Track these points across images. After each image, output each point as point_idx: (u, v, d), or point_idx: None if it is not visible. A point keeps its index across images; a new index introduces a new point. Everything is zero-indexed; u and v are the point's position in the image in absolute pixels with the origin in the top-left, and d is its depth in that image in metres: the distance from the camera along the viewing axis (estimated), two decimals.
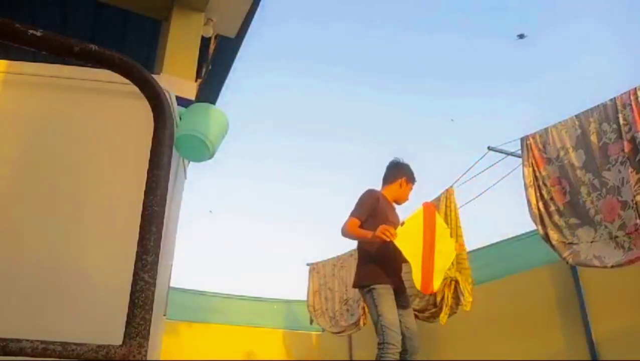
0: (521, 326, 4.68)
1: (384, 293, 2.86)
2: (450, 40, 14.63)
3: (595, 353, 3.97)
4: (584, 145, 3.38)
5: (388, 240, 2.74)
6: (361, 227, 2.96)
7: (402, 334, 2.82)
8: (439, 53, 14.32)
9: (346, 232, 2.99)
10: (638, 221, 2.92)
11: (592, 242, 3.22)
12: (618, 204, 3.07)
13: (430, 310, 4.52)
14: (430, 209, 3.09)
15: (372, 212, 3.01)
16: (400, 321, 2.85)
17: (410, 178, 3.25)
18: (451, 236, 3.54)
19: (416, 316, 4.78)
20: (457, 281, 4.24)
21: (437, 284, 2.99)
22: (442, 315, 4.31)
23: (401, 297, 2.98)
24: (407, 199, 3.26)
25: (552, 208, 3.50)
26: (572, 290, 4.29)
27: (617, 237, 3.06)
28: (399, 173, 3.24)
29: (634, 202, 2.96)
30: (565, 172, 3.48)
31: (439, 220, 3.16)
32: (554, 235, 3.44)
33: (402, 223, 2.93)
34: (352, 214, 3.02)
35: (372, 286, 2.89)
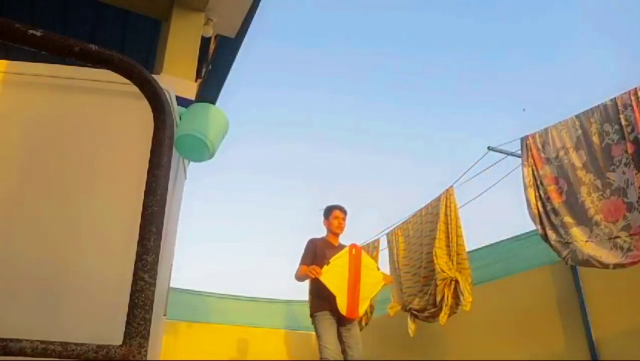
0: (521, 326, 4.68)
1: (322, 319, 3.62)
2: (451, 41, 14.64)
3: (595, 353, 3.96)
4: (585, 145, 3.38)
5: (314, 277, 3.56)
6: None
7: (343, 348, 3.61)
8: (440, 54, 14.33)
9: (296, 277, 3.86)
10: None
11: (586, 241, 3.23)
12: (624, 205, 3.07)
13: (430, 309, 4.52)
14: (356, 249, 3.85)
15: (313, 256, 3.81)
16: (343, 336, 3.64)
17: (326, 215, 4.04)
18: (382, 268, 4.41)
19: (415, 317, 4.79)
20: (457, 281, 4.25)
21: (362, 310, 3.71)
22: (441, 315, 4.31)
23: (342, 318, 3.64)
24: (339, 227, 3.98)
25: (549, 207, 3.51)
26: (572, 290, 4.28)
27: (618, 237, 3.06)
28: (323, 217, 4.07)
29: (639, 203, 2.97)
30: (563, 171, 3.48)
31: (365, 256, 3.89)
32: (552, 235, 3.44)
33: (328, 263, 3.62)
34: (300, 262, 3.85)
35: (314, 314, 3.70)
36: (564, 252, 3.35)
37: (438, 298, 4.36)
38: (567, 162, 3.46)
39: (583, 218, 3.29)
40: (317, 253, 3.82)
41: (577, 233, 3.30)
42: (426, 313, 4.59)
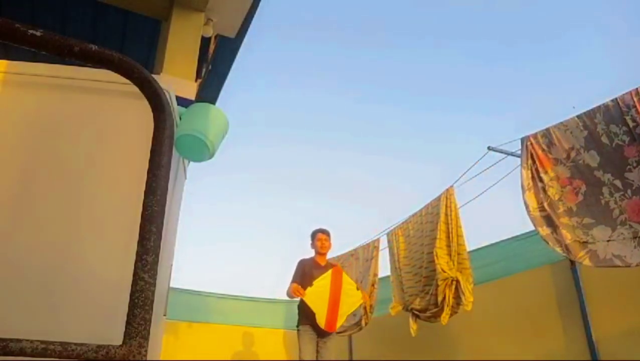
0: (521, 326, 4.68)
1: (304, 333, 4.29)
2: (451, 43, 14.64)
3: (595, 353, 3.96)
4: (595, 146, 3.38)
5: (298, 297, 4.23)
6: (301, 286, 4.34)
7: (317, 358, 4.26)
8: (440, 58, 14.32)
9: (287, 294, 4.46)
10: None
11: (608, 240, 3.23)
12: None
13: (432, 310, 4.52)
14: (338, 271, 4.46)
15: (302, 275, 4.44)
16: (319, 347, 4.30)
17: (312, 238, 4.71)
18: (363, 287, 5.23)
19: (417, 317, 4.79)
20: (457, 281, 4.25)
21: (339, 324, 4.34)
22: (443, 315, 4.31)
23: (321, 331, 4.26)
24: (322, 247, 4.61)
25: (562, 209, 3.49)
26: (572, 290, 4.28)
27: None
28: (310, 240, 4.73)
29: None
30: (578, 172, 3.47)
31: (346, 278, 4.48)
32: (567, 235, 3.42)
33: (312, 285, 4.23)
34: (291, 281, 4.47)
35: (298, 328, 4.35)
36: (581, 252, 3.34)
37: (439, 299, 4.36)
38: (582, 163, 3.45)
39: (606, 218, 3.29)
40: (305, 273, 4.46)
41: (598, 234, 3.29)
42: (428, 313, 4.59)
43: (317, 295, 4.21)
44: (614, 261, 3.17)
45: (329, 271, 4.39)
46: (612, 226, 3.24)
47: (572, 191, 3.49)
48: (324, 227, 4.77)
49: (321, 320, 4.16)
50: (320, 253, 4.62)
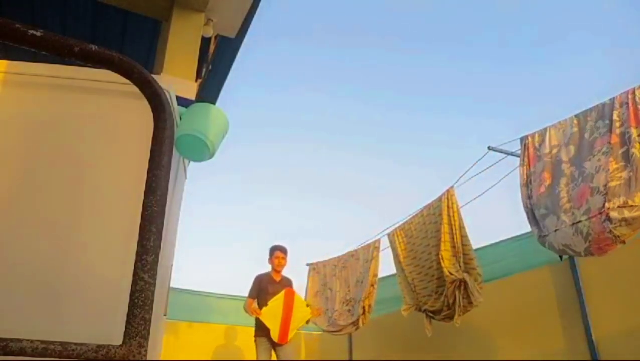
0: (521, 326, 4.68)
1: (259, 344, 4.90)
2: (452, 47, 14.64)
3: (595, 353, 3.96)
4: (577, 141, 3.39)
5: (254, 315, 4.90)
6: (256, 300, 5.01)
7: None
8: (440, 55, 14.32)
9: (244, 309, 5.04)
10: (607, 205, 2.92)
11: (555, 230, 3.24)
12: (588, 190, 3.09)
13: (445, 311, 4.48)
14: (290, 292, 5.09)
15: (259, 290, 5.01)
16: (277, 354, 4.86)
17: (270, 254, 5.17)
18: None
19: (432, 318, 4.74)
20: (465, 282, 4.21)
21: (291, 335, 4.94)
22: (455, 317, 4.25)
23: (275, 343, 4.82)
24: (278, 265, 5.13)
25: (533, 203, 3.54)
26: (572, 290, 4.28)
27: (579, 221, 3.07)
28: (269, 255, 5.20)
29: (607, 187, 2.96)
30: (549, 166, 3.49)
31: (297, 296, 5.15)
32: (535, 230, 3.47)
33: (267, 304, 4.86)
34: (248, 295, 5.07)
35: (255, 339, 4.93)
36: (545, 245, 3.38)
37: (451, 301, 4.32)
38: (558, 159, 3.48)
39: (554, 207, 3.30)
40: (261, 288, 5.00)
41: (549, 223, 3.32)
42: (442, 315, 4.53)
43: (271, 314, 4.88)
44: (566, 251, 3.22)
45: (282, 293, 4.98)
46: (557, 214, 3.25)
47: (538, 185, 3.52)
48: (281, 244, 5.19)
49: (275, 335, 4.83)
50: (275, 270, 5.11)
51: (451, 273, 4.26)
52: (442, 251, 4.38)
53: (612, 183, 2.94)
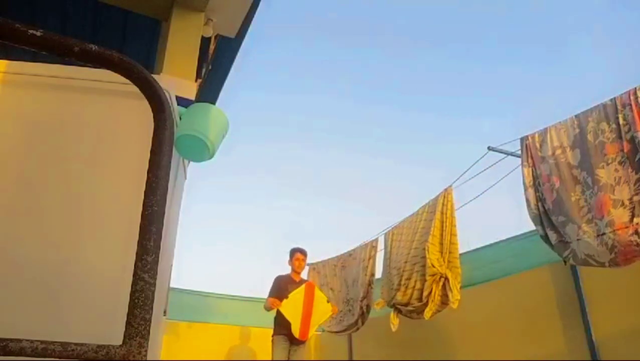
0: (521, 326, 4.68)
1: (277, 343, 4.78)
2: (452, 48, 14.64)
3: (595, 353, 3.96)
4: (581, 144, 3.38)
5: (275, 308, 4.76)
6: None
7: None
8: (440, 55, 14.32)
9: (265, 307, 4.94)
10: (635, 220, 2.92)
11: (578, 239, 3.23)
12: (610, 202, 3.08)
13: (414, 304, 4.52)
14: (310, 285, 5.04)
15: (278, 290, 4.95)
16: (290, 354, 4.74)
17: (290, 257, 5.19)
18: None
19: (400, 311, 4.81)
20: (446, 278, 4.26)
21: (312, 332, 4.87)
22: (427, 310, 4.33)
23: (294, 340, 4.74)
24: (299, 266, 5.15)
25: (545, 207, 3.52)
26: (572, 290, 4.28)
27: (604, 233, 3.06)
28: (288, 257, 5.22)
29: (632, 201, 2.96)
30: (556, 169, 3.48)
31: (318, 291, 5.03)
32: (552, 235, 3.43)
33: (287, 297, 4.74)
34: (268, 295, 5.00)
35: (273, 337, 4.84)
36: (565, 252, 3.34)
37: (425, 293, 4.37)
38: (563, 161, 3.46)
39: (574, 216, 3.28)
40: (281, 288, 4.96)
41: (570, 232, 3.29)
42: (409, 308, 4.60)
43: (291, 306, 4.75)
44: (588, 261, 3.18)
45: (303, 286, 4.94)
46: (578, 224, 3.24)
47: (548, 189, 3.51)
48: (302, 247, 5.24)
49: (295, 329, 4.68)
50: (296, 271, 5.15)
51: (433, 266, 4.31)
52: (429, 243, 4.42)
53: (637, 198, 2.95)
